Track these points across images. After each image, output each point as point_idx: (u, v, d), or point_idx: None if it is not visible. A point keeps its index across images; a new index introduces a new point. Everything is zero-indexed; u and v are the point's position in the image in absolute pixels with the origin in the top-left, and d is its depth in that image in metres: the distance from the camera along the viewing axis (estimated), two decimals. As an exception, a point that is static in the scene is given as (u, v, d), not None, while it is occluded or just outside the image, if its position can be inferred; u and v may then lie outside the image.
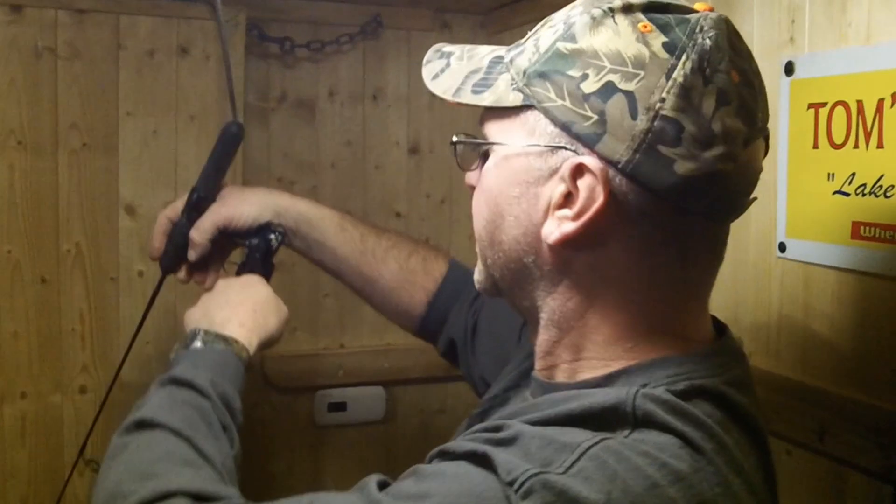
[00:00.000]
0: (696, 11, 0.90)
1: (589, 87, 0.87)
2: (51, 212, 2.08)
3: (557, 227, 0.91)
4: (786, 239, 1.39)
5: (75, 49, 2.06)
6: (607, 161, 0.87)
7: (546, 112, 0.90)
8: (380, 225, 1.82)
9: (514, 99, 0.92)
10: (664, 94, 0.84)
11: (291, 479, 2.46)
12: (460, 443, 0.90)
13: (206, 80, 2.15)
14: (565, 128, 0.89)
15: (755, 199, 0.94)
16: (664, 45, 0.85)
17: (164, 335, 2.19)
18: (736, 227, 1.49)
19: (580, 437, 0.83)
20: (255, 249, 1.61)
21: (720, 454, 0.85)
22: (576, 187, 0.89)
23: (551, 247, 0.92)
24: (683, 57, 0.85)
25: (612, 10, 0.89)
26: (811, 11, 1.35)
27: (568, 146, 0.89)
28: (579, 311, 0.94)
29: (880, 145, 1.23)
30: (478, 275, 1.07)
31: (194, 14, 2.14)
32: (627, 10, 0.88)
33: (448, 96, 0.98)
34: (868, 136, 1.24)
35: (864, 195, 1.25)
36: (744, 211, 0.93)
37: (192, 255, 1.56)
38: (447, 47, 1.06)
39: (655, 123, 0.85)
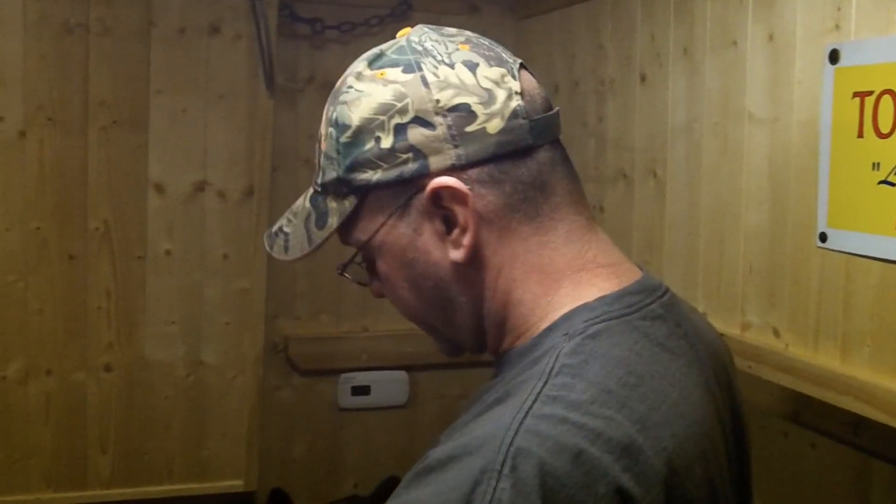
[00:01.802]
0: (401, 36, 1.03)
1: (387, 142, 0.97)
2: (79, 189, 2.08)
3: (460, 245, 0.98)
4: (827, 229, 1.37)
5: (106, 26, 2.05)
6: (446, 172, 0.96)
7: (377, 186, 0.98)
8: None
9: (351, 202, 1.01)
10: (435, 96, 0.96)
11: (313, 461, 2.46)
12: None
13: (236, 59, 2.14)
14: (399, 181, 0.98)
15: (558, 110, 1.02)
16: (403, 71, 0.98)
17: (188, 315, 2.19)
18: (773, 216, 1.49)
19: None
20: None
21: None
22: (445, 208, 0.97)
23: (462, 264, 0.99)
24: (422, 64, 0.97)
25: (350, 87, 1.01)
26: (858, -3, 1.33)
27: (412, 191, 0.98)
28: (503, 299, 1.01)
29: (928, 135, 1.21)
30: (441, 349, 1.11)
31: (226, -7, 2.13)
32: (359, 77, 1.00)
33: (305, 252, 1.05)
34: (915, 125, 1.23)
35: (909, 186, 1.23)
36: (559, 126, 1.02)
37: None
38: (274, 227, 1.12)
39: (448, 118, 0.96)
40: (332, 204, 1.02)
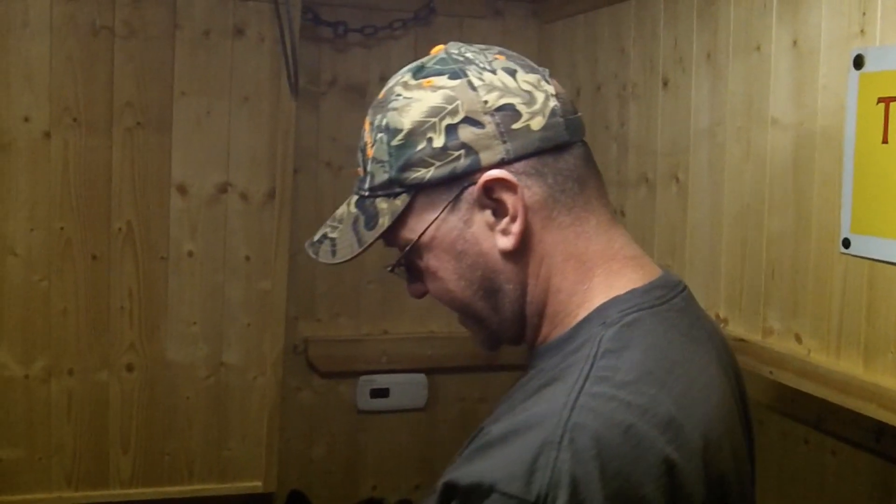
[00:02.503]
0: (435, 53, 1.13)
1: (439, 141, 1.07)
2: (103, 189, 2.10)
3: (509, 233, 1.08)
4: (850, 235, 1.36)
5: (132, 28, 2.07)
6: (496, 166, 1.06)
7: (430, 183, 1.08)
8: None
9: (403, 201, 1.10)
10: (482, 98, 1.06)
11: (332, 463, 2.47)
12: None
13: (260, 61, 2.15)
14: (452, 176, 1.08)
15: (581, 115, 1.14)
16: (449, 77, 1.08)
17: (209, 316, 2.20)
18: (796, 221, 1.48)
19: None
20: None
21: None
22: (495, 199, 1.07)
23: (510, 253, 1.08)
24: (466, 71, 1.08)
25: (398, 95, 1.10)
26: (884, 2, 1.32)
27: (463, 185, 1.08)
28: (545, 286, 1.10)
29: (953, 141, 1.20)
30: (482, 342, 1.18)
31: (250, -5, 2.15)
32: (406, 86, 1.10)
33: (355, 252, 1.12)
34: (941, 131, 1.22)
35: (934, 192, 1.23)
36: (585, 126, 1.13)
37: None
38: (315, 236, 1.18)
39: (496, 116, 1.06)
40: (383, 205, 1.11)
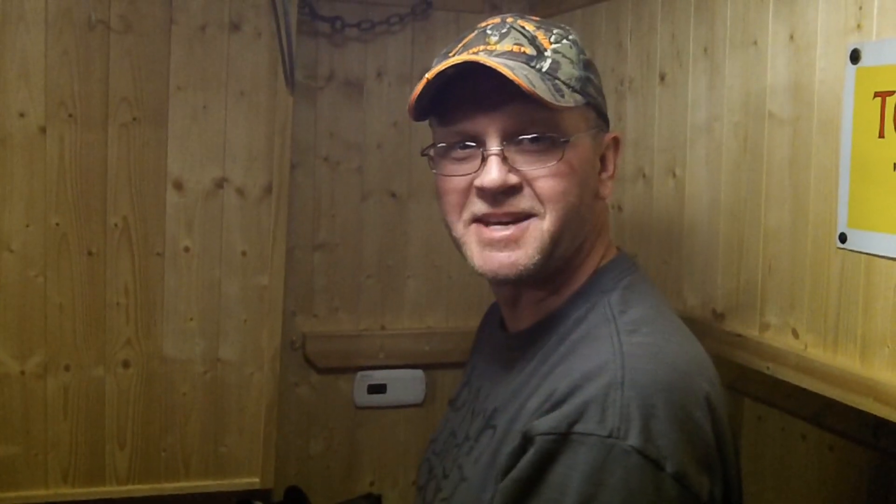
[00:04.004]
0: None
1: (600, 85, 1.30)
2: (99, 185, 2.09)
3: (607, 185, 1.29)
4: (847, 229, 1.35)
5: (128, 22, 2.06)
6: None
7: (596, 107, 1.27)
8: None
9: (579, 100, 1.23)
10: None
11: (329, 459, 2.47)
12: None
13: (257, 56, 2.14)
14: (601, 115, 1.29)
15: None
16: (574, 44, 1.29)
17: (206, 312, 2.19)
18: (793, 216, 1.48)
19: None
20: None
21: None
22: (609, 155, 1.30)
23: (603, 202, 1.30)
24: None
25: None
26: (881, -4, 1.31)
27: (602, 129, 1.30)
28: (592, 237, 1.28)
29: (951, 135, 1.20)
30: (536, 256, 1.21)
31: (246, -10, 2.14)
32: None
33: (550, 99, 1.18)
34: (938, 125, 1.21)
35: (931, 186, 1.22)
36: None
37: None
38: (488, 61, 1.20)
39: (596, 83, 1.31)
40: (565, 89, 1.21)
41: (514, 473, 1.08)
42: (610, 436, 1.02)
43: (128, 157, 2.10)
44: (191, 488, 2.23)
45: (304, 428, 2.44)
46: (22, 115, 2.01)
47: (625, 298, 1.20)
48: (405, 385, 2.48)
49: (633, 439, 1.03)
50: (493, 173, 1.18)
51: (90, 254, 2.10)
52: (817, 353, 1.41)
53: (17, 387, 2.08)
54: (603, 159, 1.29)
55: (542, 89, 1.16)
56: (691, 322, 1.71)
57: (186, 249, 2.16)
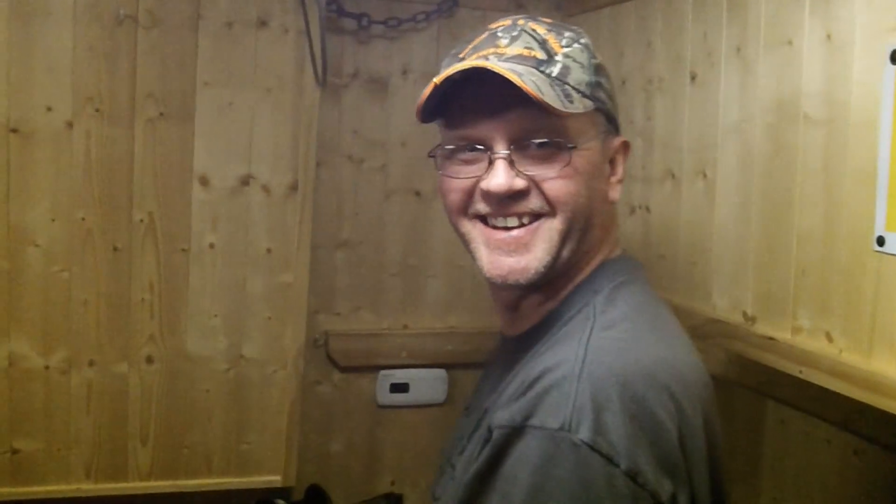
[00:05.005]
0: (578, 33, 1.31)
1: (611, 89, 1.29)
2: (125, 180, 2.08)
3: (616, 188, 1.29)
4: (885, 233, 1.34)
5: (155, 17, 2.05)
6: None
7: (605, 113, 1.26)
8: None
9: (588, 105, 1.22)
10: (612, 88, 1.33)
11: (350, 458, 2.46)
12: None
13: (284, 52, 2.14)
14: (611, 120, 1.28)
15: None
16: (586, 48, 1.28)
17: (230, 309, 2.19)
18: (827, 219, 1.46)
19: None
20: None
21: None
22: (617, 160, 1.29)
23: (612, 205, 1.29)
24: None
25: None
26: (921, -4, 1.30)
27: (612, 133, 1.29)
28: (597, 241, 1.27)
29: None
30: (546, 258, 1.21)
31: (274, -14, 2.13)
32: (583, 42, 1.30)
33: (559, 106, 1.17)
34: (979, 127, 1.19)
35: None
36: None
37: None
38: (494, 66, 1.18)
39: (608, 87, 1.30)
40: (575, 94, 1.21)
41: (474, 466, 1.10)
42: (561, 428, 1.01)
43: (154, 153, 2.09)
44: (212, 485, 2.23)
45: (325, 426, 2.43)
46: (49, 109, 2.01)
47: (610, 298, 1.20)
48: (427, 384, 2.47)
49: (584, 433, 1.01)
50: (500, 177, 1.18)
51: (115, 249, 2.10)
52: (852, 357, 1.40)
53: (40, 382, 2.08)
54: (612, 163, 1.29)
55: (550, 96, 1.16)
56: (720, 324, 1.70)
57: (211, 246, 2.15)
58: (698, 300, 1.79)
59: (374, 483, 2.48)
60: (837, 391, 1.41)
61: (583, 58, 1.23)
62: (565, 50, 1.22)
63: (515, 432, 1.05)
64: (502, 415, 1.07)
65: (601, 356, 1.08)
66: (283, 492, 2.29)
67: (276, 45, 2.13)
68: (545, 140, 1.18)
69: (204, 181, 2.13)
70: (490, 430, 1.09)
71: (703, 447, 1.12)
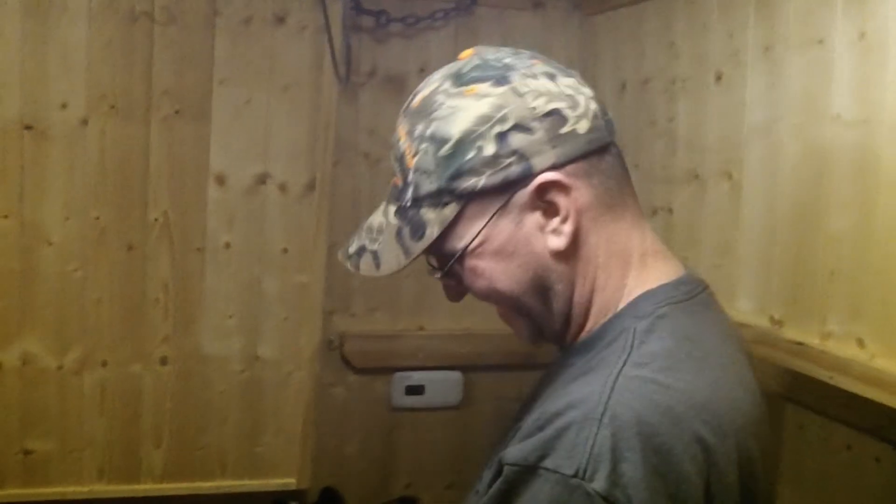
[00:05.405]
0: (467, 57, 1.14)
1: (489, 150, 1.06)
2: (140, 179, 2.06)
3: (561, 234, 1.08)
4: (920, 232, 1.31)
5: (171, 14, 2.03)
6: (548, 170, 1.06)
7: (483, 191, 1.08)
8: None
9: (452, 210, 1.09)
10: (530, 105, 1.06)
11: (364, 461, 2.43)
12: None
13: (302, 50, 2.11)
14: (505, 183, 1.07)
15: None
16: (493, 85, 1.06)
17: (245, 309, 2.17)
18: (859, 221, 1.43)
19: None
20: None
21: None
22: (547, 201, 1.07)
23: (561, 253, 1.09)
24: (510, 78, 1.07)
25: (441, 104, 1.08)
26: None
27: (514, 190, 1.08)
28: (591, 285, 1.12)
29: None
30: (528, 336, 1.18)
31: (292, -17, 2.11)
32: (448, 94, 1.09)
33: (402, 265, 1.12)
34: None
35: None
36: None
37: None
38: (350, 248, 1.18)
39: (544, 122, 1.06)
40: (430, 215, 1.10)
41: (484, 500, 1.04)
42: (575, 475, 0.95)
43: (169, 151, 2.07)
44: (227, 488, 2.21)
45: (339, 429, 2.41)
46: (63, 106, 1.99)
47: (652, 327, 1.09)
48: (442, 387, 2.45)
49: (600, 483, 0.95)
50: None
51: (130, 248, 2.08)
52: (885, 363, 1.37)
53: (53, 382, 2.07)
54: (546, 207, 1.09)
55: (390, 261, 1.14)
56: (745, 328, 1.67)
57: (227, 245, 2.13)
58: (723, 304, 1.75)
59: (390, 486, 2.46)
60: (869, 397, 1.38)
61: (429, 161, 1.09)
62: (415, 161, 1.11)
63: (528, 472, 0.99)
64: (515, 451, 1.01)
65: (628, 398, 0.99)
66: (297, 494, 2.27)
67: (293, 43, 2.11)
68: (436, 274, 1.17)
69: (220, 180, 2.11)
70: (500, 464, 1.03)
71: (735, 499, 1.05)
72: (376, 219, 1.17)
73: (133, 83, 2.03)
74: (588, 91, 1.10)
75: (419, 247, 1.10)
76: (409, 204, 1.11)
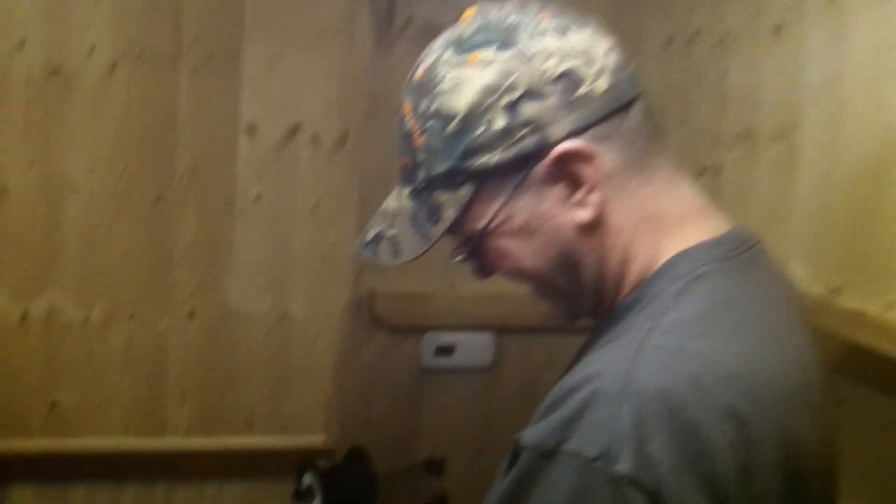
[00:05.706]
0: (468, 19, 1.05)
1: (500, 122, 0.98)
2: (167, 130, 2.01)
3: (587, 205, 1.01)
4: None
5: (204, -40, 1.97)
6: (566, 138, 0.98)
7: (497, 168, 1.00)
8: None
9: (467, 191, 1.02)
10: (541, 67, 0.97)
11: (391, 422, 2.39)
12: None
13: (334, 0, 2.05)
14: (520, 158, 1.00)
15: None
16: (498, 49, 0.98)
17: (274, 265, 2.12)
18: (879, 196, 1.36)
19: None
20: None
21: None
22: (568, 172, 0.99)
23: (588, 225, 1.02)
24: (517, 39, 0.98)
25: (443, 76, 1.01)
26: None
27: (532, 163, 1.00)
28: (623, 255, 1.04)
29: None
30: (562, 314, 1.12)
31: (325, -71, 2.03)
32: (449, 65, 1.01)
33: (422, 250, 1.05)
34: None
35: None
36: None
37: None
38: (367, 235, 1.13)
39: (558, 85, 0.97)
40: (444, 197, 1.03)
41: (502, 487, 0.98)
42: (598, 458, 0.89)
43: (198, 102, 2.02)
44: (253, 444, 2.18)
45: (367, 388, 2.37)
46: (91, 53, 1.93)
47: (685, 290, 1.01)
48: (473, 349, 2.40)
49: (625, 464, 0.89)
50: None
51: (157, 201, 2.03)
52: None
53: (79, 335, 2.03)
54: (568, 179, 1.02)
55: (408, 247, 1.07)
56: (799, 295, 1.61)
57: (256, 200, 2.07)
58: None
59: (416, 447, 2.42)
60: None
61: (436, 140, 1.03)
62: (423, 140, 1.05)
63: (546, 457, 0.93)
64: (533, 433, 0.94)
65: (652, 370, 0.92)
66: (325, 453, 2.23)
67: (327, -10, 2.04)
68: (459, 257, 1.10)
69: (250, 132, 2.05)
70: (517, 446, 0.96)
71: (778, 478, 0.97)
72: (391, 203, 1.11)
73: (162, 31, 1.97)
74: (606, 43, 1.02)
75: (437, 231, 1.04)
76: (422, 186, 1.05)
